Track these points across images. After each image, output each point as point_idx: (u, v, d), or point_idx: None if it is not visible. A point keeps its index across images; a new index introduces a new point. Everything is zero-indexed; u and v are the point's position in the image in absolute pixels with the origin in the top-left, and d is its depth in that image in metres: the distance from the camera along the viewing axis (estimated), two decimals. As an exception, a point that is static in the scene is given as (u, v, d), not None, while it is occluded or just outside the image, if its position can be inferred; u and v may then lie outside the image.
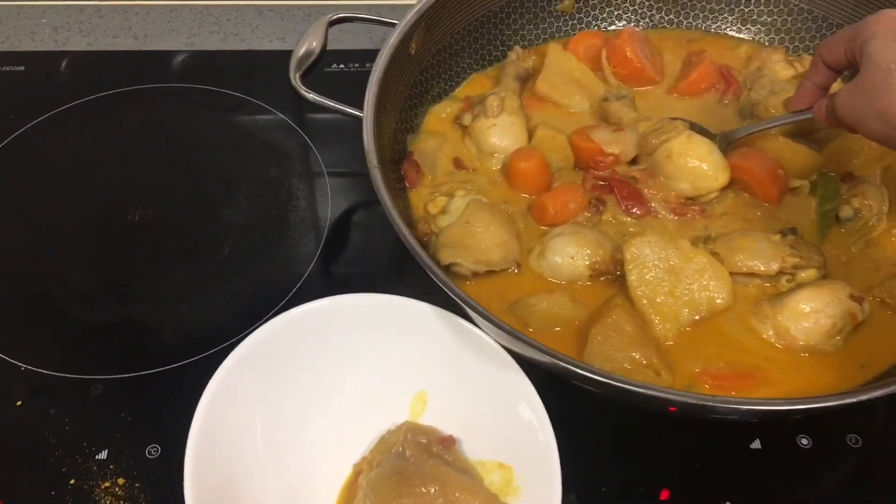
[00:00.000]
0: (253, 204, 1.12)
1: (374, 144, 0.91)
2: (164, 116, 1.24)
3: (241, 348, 0.82)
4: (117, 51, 1.34)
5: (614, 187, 0.99)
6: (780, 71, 1.11)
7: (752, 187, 1.00)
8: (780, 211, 0.99)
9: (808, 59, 1.15)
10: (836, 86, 0.91)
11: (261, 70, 1.30)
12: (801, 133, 1.05)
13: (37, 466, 0.86)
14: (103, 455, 0.87)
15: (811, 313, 0.86)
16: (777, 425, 0.90)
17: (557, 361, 0.75)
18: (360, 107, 0.96)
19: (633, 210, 0.98)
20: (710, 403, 0.74)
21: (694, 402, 0.74)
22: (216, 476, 0.76)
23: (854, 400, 0.73)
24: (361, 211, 1.13)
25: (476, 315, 0.80)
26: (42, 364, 0.95)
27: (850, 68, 0.85)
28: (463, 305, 0.79)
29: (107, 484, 0.85)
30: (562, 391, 0.83)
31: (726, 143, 1.00)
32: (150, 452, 0.87)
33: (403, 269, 1.04)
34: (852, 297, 0.86)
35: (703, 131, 0.99)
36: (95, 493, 0.84)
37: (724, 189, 0.98)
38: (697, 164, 0.95)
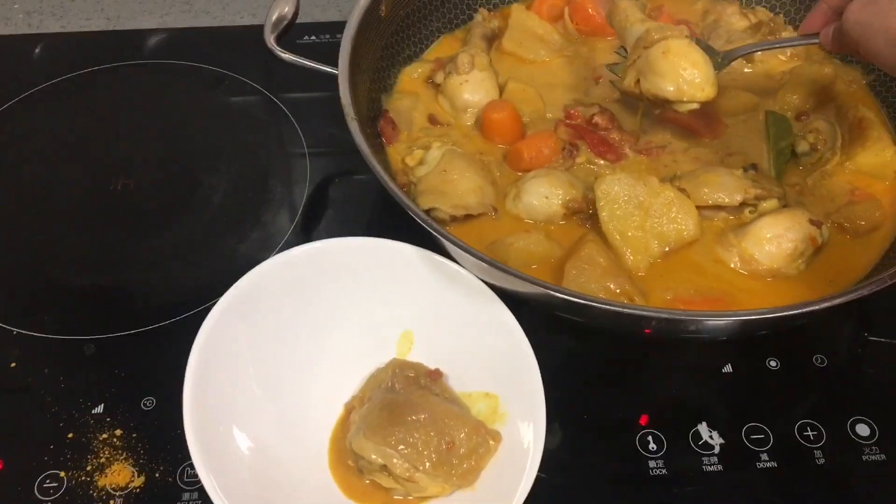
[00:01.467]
0: (233, 170, 1.15)
1: (351, 98, 0.95)
2: (141, 92, 1.26)
3: (228, 295, 0.84)
4: (91, 31, 1.36)
5: (584, 137, 1.03)
6: (736, 22, 1.16)
7: (687, 126, 1.05)
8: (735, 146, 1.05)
9: (761, 10, 1.20)
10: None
11: (234, 45, 1.32)
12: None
13: (34, 423, 0.88)
14: (99, 409, 0.89)
15: (773, 238, 0.91)
16: (746, 349, 0.94)
17: (537, 288, 0.78)
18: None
19: (607, 155, 1.02)
20: (684, 318, 0.78)
21: (668, 317, 0.78)
22: (214, 418, 0.79)
23: (816, 308, 0.78)
24: (340, 178, 1.16)
25: (457, 251, 0.83)
26: (34, 327, 0.96)
27: None
28: (444, 242, 0.83)
29: (104, 436, 0.87)
30: (541, 325, 0.86)
31: (728, 61, 1.01)
32: (145, 405, 0.90)
33: (382, 224, 1.06)
34: (811, 221, 0.91)
35: (707, 48, 0.99)
36: (94, 444, 0.86)
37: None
38: (690, 69, 0.93)
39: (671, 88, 0.93)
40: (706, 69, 0.93)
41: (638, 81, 0.97)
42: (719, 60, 0.98)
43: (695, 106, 0.95)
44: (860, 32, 0.77)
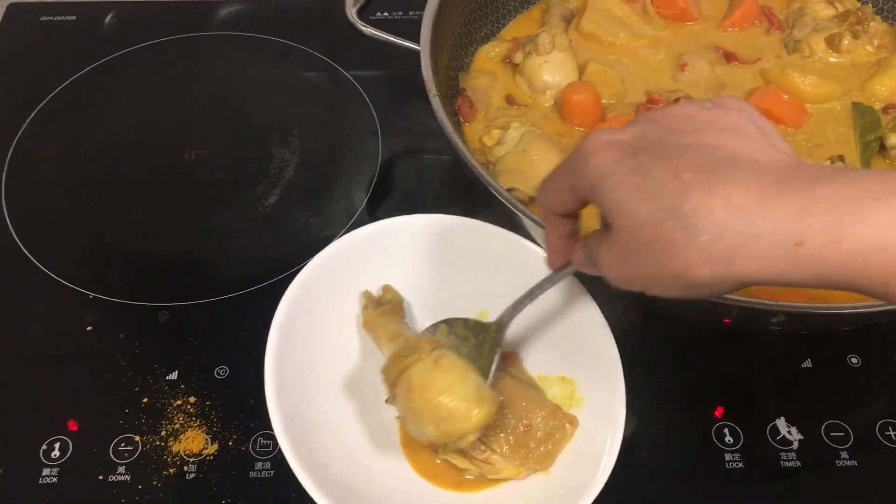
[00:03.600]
0: (305, 143, 1.15)
1: (433, 74, 0.94)
2: (211, 63, 1.26)
3: (313, 263, 0.83)
4: (163, 1, 1.36)
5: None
6: (822, 10, 1.13)
7: (766, 113, 1.01)
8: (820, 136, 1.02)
9: (848, -1, 1.16)
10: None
11: (305, 18, 1.32)
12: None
13: (109, 387, 0.89)
14: (174, 376, 0.90)
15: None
16: (826, 344, 0.92)
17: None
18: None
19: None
20: (768, 308, 0.76)
21: (755, 306, 0.76)
22: (293, 384, 0.78)
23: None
24: (410, 155, 1.15)
25: (539, 232, 0.82)
26: (109, 293, 0.97)
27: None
28: (526, 221, 0.82)
29: (178, 402, 0.88)
30: (615, 311, 0.85)
31: (504, 326, 0.80)
32: (218, 373, 0.90)
33: (456, 201, 1.06)
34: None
35: (476, 326, 0.81)
36: (168, 410, 0.87)
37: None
38: (447, 397, 0.70)
39: (430, 430, 0.71)
40: (464, 388, 0.71)
41: None
42: (493, 333, 0.80)
43: (471, 438, 0.72)
44: (642, 286, 0.58)
